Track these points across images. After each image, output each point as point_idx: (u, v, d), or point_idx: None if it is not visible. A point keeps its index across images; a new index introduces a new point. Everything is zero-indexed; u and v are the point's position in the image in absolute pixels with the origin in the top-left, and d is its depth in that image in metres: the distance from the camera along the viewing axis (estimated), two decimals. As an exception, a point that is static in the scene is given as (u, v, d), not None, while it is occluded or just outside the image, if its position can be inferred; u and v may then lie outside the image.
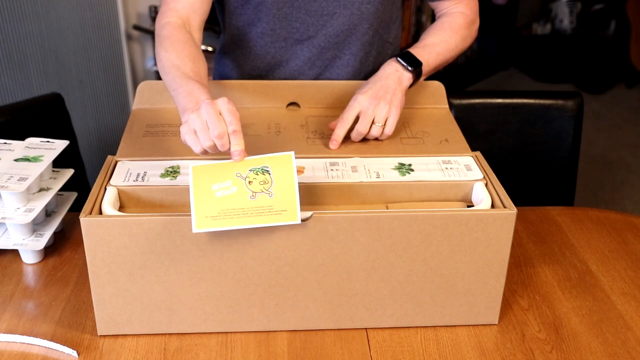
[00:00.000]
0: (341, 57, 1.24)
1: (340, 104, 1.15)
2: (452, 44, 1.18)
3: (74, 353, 0.88)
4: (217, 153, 0.87)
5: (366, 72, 1.27)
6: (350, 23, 1.21)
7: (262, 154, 0.86)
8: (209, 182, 0.83)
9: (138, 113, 1.14)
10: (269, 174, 0.84)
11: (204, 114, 0.84)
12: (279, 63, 1.25)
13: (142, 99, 1.16)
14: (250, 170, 0.84)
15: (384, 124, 1.05)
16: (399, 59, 1.11)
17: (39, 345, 0.90)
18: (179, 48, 1.03)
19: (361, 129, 1.04)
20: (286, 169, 0.84)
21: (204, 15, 1.13)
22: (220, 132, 0.83)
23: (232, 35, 1.27)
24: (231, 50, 1.29)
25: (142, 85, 1.16)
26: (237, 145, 0.84)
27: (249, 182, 0.83)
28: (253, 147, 1.02)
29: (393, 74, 1.09)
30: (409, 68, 1.10)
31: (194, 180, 0.83)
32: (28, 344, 0.90)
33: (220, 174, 0.84)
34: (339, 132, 1.04)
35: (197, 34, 1.11)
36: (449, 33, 1.19)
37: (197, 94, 0.91)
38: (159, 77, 2.56)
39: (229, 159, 0.86)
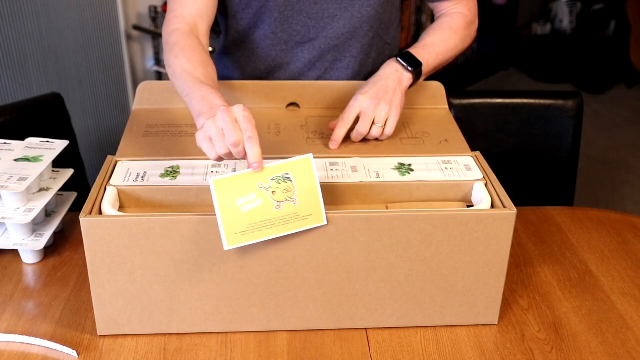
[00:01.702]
0: (341, 59, 1.24)
1: (340, 105, 1.15)
2: (451, 44, 1.19)
3: (74, 353, 0.88)
4: (231, 159, 0.87)
5: (366, 73, 1.27)
6: (350, 25, 1.21)
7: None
8: (233, 197, 0.83)
9: (138, 113, 1.14)
10: (291, 181, 0.84)
11: (220, 121, 0.84)
12: (280, 65, 1.25)
13: (142, 99, 1.16)
14: (271, 180, 0.84)
15: (384, 125, 1.05)
16: (399, 59, 1.11)
17: (38, 345, 0.90)
18: (189, 54, 1.03)
19: (361, 129, 1.04)
20: (307, 173, 0.85)
21: (209, 21, 1.13)
22: (237, 140, 0.82)
23: (233, 37, 1.27)
24: (232, 53, 1.29)
25: (142, 86, 1.16)
26: (254, 156, 0.83)
27: (272, 192, 0.84)
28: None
29: (393, 75, 1.09)
30: (409, 68, 1.10)
31: (217, 196, 0.83)
32: (28, 344, 0.90)
33: (243, 187, 0.83)
34: (339, 133, 1.04)
35: (205, 39, 1.11)
36: (449, 33, 1.19)
37: (211, 98, 0.91)
38: (159, 77, 2.57)
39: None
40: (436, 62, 1.16)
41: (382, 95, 1.06)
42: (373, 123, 1.04)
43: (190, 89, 0.96)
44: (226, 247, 0.82)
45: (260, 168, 0.84)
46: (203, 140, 0.86)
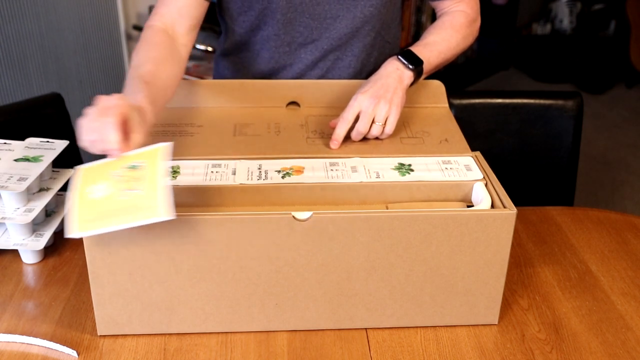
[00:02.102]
0: (343, 59, 1.24)
1: (340, 103, 1.15)
2: (453, 42, 1.18)
3: (74, 353, 0.88)
4: (104, 151, 0.84)
5: (367, 72, 1.27)
6: (353, 26, 1.20)
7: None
8: (87, 184, 0.81)
9: (138, 113, 1.13)
10: (142, 169, 0.81)
11: (91, 108, 0.83)
12: (282, 67, 1.25)
13: (142, 99, 1.16)
14: (126, 168, 0.82)
15: (384, 123, 1.05)
16: (399, 57, 1.11)
17: (38, 345, 0.90)
18: (146, 49, 1.04)
19: (361, 128, 1.04)
20: (158, 163, 0.82)
21: (194, 20, 1.12)
22: (92, 126, 0.81)
23: (235, 40, 1.26)
24: (234, 54, 1.29)
25: (142, 85, 1.15)
26: (110, 142, 0.80)
27: (123, 180, 0.81)
28: (253, 147, 1.02)
29: (394, 73, 1.09)
30: (410, 66, 1.10)
31: (77, 183, 0.81)
32: (28, 344, 0.90)
33: (100, 175, 0.82)
34: (340, 132, 1.04)
35: (184, 39, 1.11)
36: (450, 32, 1.19)
37: (131, 94, 0.90)
38: (159, 77, 2.56)
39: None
40: (438, 60, 1.16)
41: (382, 94, 1.06)
42: (373, 122, 1.05)
43: (127, 85, 0.94)
44: (71, 233, 0.78)
45: (115, 155, 0.82)
46: (79, 127, 0.84)
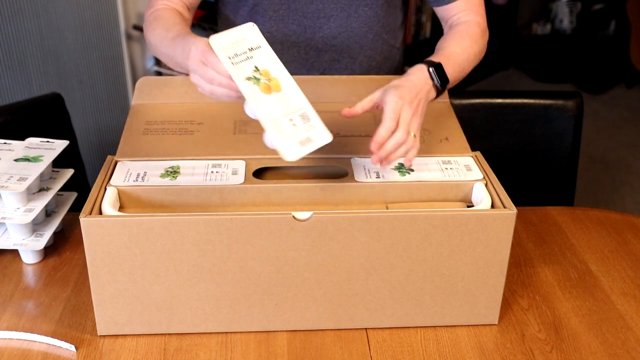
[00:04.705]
0: (340, 60, 1.24)
1: (340, 99, 1.15)
2: (471, 54, 1.10)
3: (72, 347, 0.88)
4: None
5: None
6: (347, 25, 1.20)
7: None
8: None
9: (137, 109, 1.13)
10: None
11: (198, 75, 0.88)
12: None
13: (141, 94, 1.15)
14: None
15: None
16: (431, 71, 0.99)
17: (39, 342, 0.90)
18: (162, 21, 1.09)
19: (400, 138, 0.90)
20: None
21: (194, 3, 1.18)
22: (208, 75, 0.86)
23: None
24: None
25: (141, 81, 1.15)
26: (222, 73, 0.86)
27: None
28: (253, 146, 1.02)
29: (425, 85, 0.97)
30: (438, 86, 0.99)
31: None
32: (29, 340, 0.90)
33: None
34: (384, 136, 0.89)
35: (187, 14, 1.17)
36: (469, 42, 1.10)
37: (186, 45, 0.92)
38: (159, 77, 2.56)
39: None
40: (456, 76, 1.06)
41: (415, 106, 0.93)
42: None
43: (172, 49, 0.98)
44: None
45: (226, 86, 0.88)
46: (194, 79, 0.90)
